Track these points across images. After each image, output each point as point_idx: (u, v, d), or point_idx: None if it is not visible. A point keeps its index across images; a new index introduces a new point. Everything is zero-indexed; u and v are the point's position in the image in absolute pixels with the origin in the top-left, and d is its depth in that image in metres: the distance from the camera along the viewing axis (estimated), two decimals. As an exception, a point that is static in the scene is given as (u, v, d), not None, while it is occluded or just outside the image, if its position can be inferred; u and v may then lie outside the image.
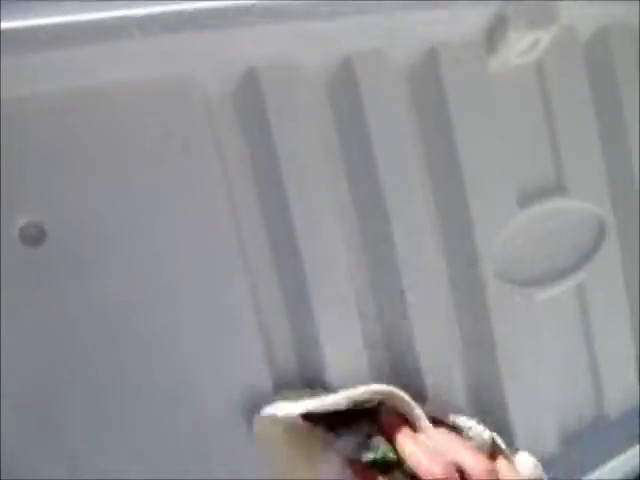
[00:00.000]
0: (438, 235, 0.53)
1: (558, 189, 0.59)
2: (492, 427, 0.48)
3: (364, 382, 0.46)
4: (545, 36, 0.54)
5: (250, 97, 0.45)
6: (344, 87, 0.48)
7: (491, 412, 0.55)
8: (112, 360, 0.42)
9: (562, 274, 0.59)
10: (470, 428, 0.47)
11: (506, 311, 0.54)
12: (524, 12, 0.50)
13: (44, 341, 0.40)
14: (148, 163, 0.43)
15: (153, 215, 0.43)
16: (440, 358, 0.52)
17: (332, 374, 0.48)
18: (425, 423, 0.45)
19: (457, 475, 0.41)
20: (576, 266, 0.60)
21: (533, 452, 0.49)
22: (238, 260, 0.46)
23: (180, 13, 0.40)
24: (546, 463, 0.50)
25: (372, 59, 0.48)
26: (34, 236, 0.38)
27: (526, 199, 0.56)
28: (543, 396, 0.57)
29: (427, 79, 0.51)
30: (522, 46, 0.53)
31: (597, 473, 0.57)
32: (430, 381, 0.51)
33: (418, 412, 0.45)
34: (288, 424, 0.45)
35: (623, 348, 0.63)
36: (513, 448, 0.49)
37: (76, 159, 0.41)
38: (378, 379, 0.48)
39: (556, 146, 0.59)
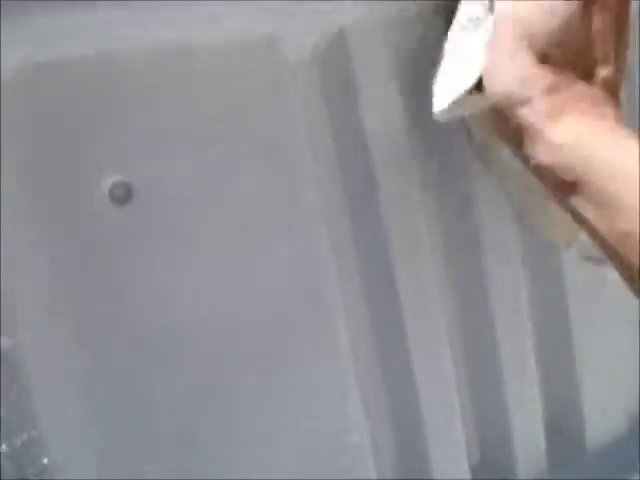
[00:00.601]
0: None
1: None
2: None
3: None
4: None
5: (335, 62, 0.44)
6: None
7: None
8: (167, 348, 0.41)
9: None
10: None
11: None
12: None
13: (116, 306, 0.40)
14: (228, 127, 0.42)
15: (234, 182, 0.42)
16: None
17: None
18: None
19: None
20: None
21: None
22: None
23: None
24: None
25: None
26: (122, 195, 0.38)
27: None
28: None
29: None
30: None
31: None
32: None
33: None
34: None
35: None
36: None
37: (159, 119, 0.40)
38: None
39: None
